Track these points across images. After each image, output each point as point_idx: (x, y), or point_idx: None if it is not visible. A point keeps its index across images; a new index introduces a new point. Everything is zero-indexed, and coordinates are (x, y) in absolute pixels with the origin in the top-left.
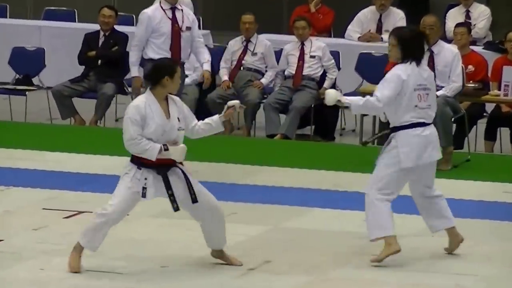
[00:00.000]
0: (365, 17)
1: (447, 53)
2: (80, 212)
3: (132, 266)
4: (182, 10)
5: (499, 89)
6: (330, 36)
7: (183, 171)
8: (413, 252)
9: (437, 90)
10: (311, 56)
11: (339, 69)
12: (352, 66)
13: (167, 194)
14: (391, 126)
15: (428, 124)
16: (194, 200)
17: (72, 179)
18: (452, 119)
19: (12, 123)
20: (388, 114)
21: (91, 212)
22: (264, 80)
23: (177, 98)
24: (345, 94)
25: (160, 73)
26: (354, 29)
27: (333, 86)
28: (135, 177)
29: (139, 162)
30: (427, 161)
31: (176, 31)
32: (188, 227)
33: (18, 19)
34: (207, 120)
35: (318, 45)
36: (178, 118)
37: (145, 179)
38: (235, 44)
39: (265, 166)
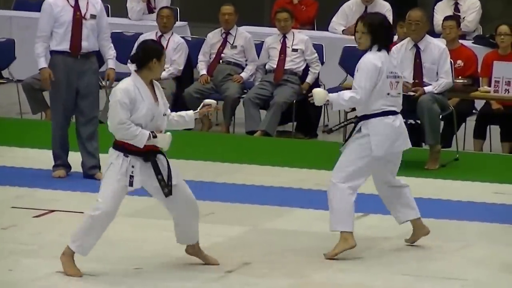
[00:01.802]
0: (350, 9)
1: (434, 49)
2: (51, 211)
3: (104, 267)
4: None
5: (489, 85)
6: (313, 29)
7: (167, 160)
8: (400, 255)
9: (425, 86)
10: (293, 50)
11: (322, 63)
12: (336, 60)
13: (152, 183)
14: (360, 114)
15: (398, 113)
16: (169, 192)
17: (43, 176)
18: (440, 116)
19: None
20: None
21: (63, 211)
22: (244, 74)
23: (157, 83)
24: (329, 90)
25: (148, 55)
26: (338, 22)
27: (316, 80)
28: (123, 166)
29: (124, 148)
30: (398, 150)
31: (77, 19)
32: (164, 227)
33: None
34: (181, 112)
35: (300, 38)
36: (163, 103)
37: (132, 166)
38: (214, 37)
39: (245, 164)
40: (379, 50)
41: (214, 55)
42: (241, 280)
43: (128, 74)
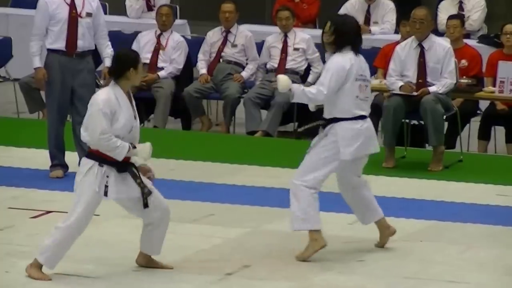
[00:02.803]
0: (353, 7)
1: (438, 48)
2: (48, 212)
3: (102, 269)
4: None
5: (494, 86)
6: (315, 28)
7: (139, 173)
8: (402, 258)
9: (428, 87)
10: (295, 49)
11: (324, 62)
12: None
13: (129, 194)
14: (328, 116)
15: (366, 117)
16: (145, 205)
17: (40, 176)
18: (444, 117)
19: None
20: (328, 103)
21: (60, 212)
22: (244, 74)
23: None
24: None
25: (125, 65)
26: None
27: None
28: (98, 176)
29: (99, 158)
30: (365, 153)
31: (73, 17)
32: None
33: None
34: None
35: (302, 37)
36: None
37: (107, 176)
38: (214, 35)
39: (245, 164)
40: (348, 51)
41: (214, 54)
42: (241, 282)
43: None
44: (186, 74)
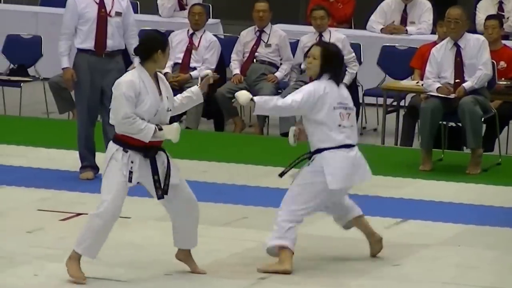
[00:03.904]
0: (389, 7)
1: (473, 43)
2: (77, 214)
3: (134, 273)
4: None
5: None
6: (350, 27)
7: (168, 158)
8: (439, 262)
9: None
10: None
11: (360, 63)
12: (374, 60)
13: (150, 181)
14: (313, 149)
15: (354, 145)
16: (165, 192)
17: (70, 178)
18: (482, 119)
19: (5, 117)
20: (311, 136)
21: None
22: (278, 74)
23: (162, 76)
24: (367, 91)
25: (153, 46)
26: (376, 20)
27: (354, 81)
28: (123, 161)
29: (124, 143)
30: (356, 182)
31: (102, 17)
32: None
33: (13, 5)
34: (186, 93)
35: (337, 36)
36: (167, 97)
37: (132, 162)
38: (247, 35)
39: (279, 166)
40: (327, 79)
41: (247, 54)
42: (274, 287)
43: None
44: (219, 74)
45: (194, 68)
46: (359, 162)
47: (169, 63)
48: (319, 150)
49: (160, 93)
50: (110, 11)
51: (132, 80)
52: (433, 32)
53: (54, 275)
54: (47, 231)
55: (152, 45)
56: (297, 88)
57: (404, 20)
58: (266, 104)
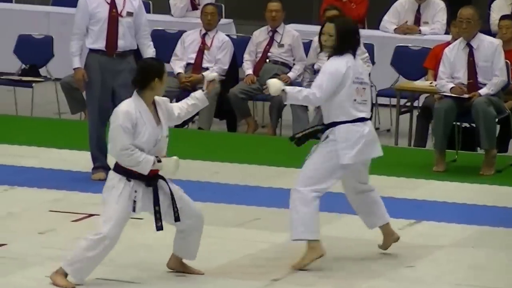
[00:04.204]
0: (402, 7)
1: (487, 46)
2: (90, 215)
3: (145, 274)
4: None
5: None
6: (363, 28)
7: (168, 185)
8: (453, 264)
9: (480, 88)
10: None
11: (373, 63)
12: (387, 60)
13: (152, 210)
14: (327, 121)
15: (367, 119)
16: (177, 219)
17: (82, 179)
18: (496, 120)
19: (17, 117)
20: (326, 108)
21: None
22: (291, 74)
23: (160, 98)
24: (380, 91)
25: (149, 75)
26: (390, 20)
27: None
28: (125, 190)
29: (126, 172)
30: (366, 157)
31: (113, 17)
32: (206, 233)
33: (24, 4)
34: (190, 100)
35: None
36: (165, 122)
37: (135, 191)
38: (260, 35)
39: (292, 167)
40: (346, 54)
41: (260, 54)
42: None
43: (170, 74)
44: (231, 75)
45: (207, 68)
46: (372, 138)
47: (182, 63)
48: (334, 124)
49: (159, 121)
50: (121, 11)
51: (128, 111)
52: (446, 32)
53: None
54: (59, 232)
55: (149, 73)
56: None
57: (417, 20)
58: (299, 95)
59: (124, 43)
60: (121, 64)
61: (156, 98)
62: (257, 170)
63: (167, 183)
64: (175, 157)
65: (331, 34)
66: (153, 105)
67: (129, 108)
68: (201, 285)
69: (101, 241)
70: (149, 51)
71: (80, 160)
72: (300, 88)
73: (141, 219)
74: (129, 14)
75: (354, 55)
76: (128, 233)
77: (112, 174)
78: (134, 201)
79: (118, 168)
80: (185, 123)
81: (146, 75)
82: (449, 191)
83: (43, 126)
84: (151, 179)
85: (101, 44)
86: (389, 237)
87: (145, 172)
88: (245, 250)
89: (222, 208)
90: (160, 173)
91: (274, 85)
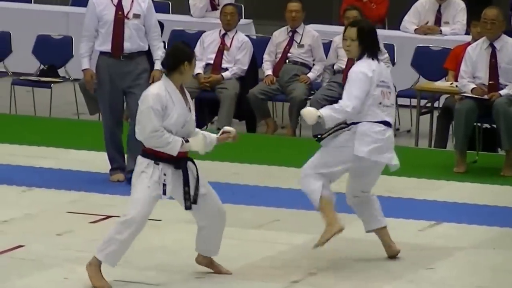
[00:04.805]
0: (423, 7)
1: (510, 48)
2: (108, 217)
3: (164, 276)
4: None
5: None
6: (384, 28)
7: (197, 168)
8: (474, 266)
9: (501, 89)
10: None
11: (393, 64)
12: (408, 61)
13: (181, 192)
14: (351, 121)
15: (390, 124)
16: (195, 201)
17: (100, 180)
18: None
19: (36, 118)
20: None
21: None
22: (311, 75)
23: (184, 88)
24: (400, 91)
25: (179, 58)
26: (410, 20)
27: None
28: (154, 175)
29: (154, 156)
30: (380, 160)
31: (119, 19)
32: (227, 235)
33: (43, 5)
34: (204, 133)
35: None
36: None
37: (164, 174)
38: (280, 35)
39: None
40: (369, 58)
41: (280, 55)
42: None
43: None
44: (251, 75)
45: (226, 69)
46: (390, 145)
47: (201, 64)
48: (358, 123)
49: (187, 103)
50: (127, 13)
51: (159, 93)
52: (467, 33)
53: (85, 278)
54: (77, 234)
55: (179, 56)
56: (330, 89)
57: (438, 20)
58: (334, 114)
59: (130, 45)
60: (128, 66)
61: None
62: (277, 171)
63: (196, 167)
64: (200, 135)
65: (353, 39)
66: (181, 89)
67: (159, 90)
68: (218, 286)
69: (129, 225)
70: (158, 53)
71: (98, 161)
72: (331, 106)
73: (159, 220)
74: (136, 16)
75: (377, 58)
76: (146, 235)
77: (140, 159)
78: (164, 184)
79: (146, 153)
80: (204, 124)
81: (176, 58)
82: (470, 192)
83: (62, 127)
84: (180, 161)
85: (107, 47)
86: (386, 242)
87: (174, 153)
88: (264, 251)
89: (241, 209)
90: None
91: (309, 114)
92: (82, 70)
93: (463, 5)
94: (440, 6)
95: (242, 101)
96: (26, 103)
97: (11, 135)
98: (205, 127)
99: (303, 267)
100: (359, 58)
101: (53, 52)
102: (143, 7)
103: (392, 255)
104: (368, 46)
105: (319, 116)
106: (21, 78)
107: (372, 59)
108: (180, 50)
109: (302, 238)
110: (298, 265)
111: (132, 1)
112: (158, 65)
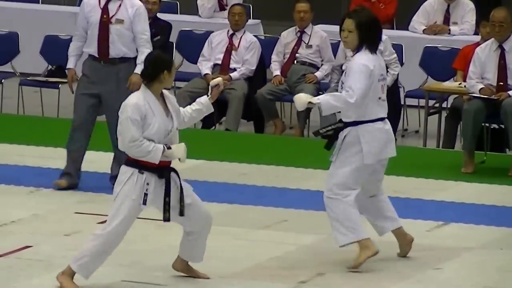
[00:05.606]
0: (432, 7)
1: None
2: None
3: (172, 277)
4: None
5: None
6: (392, 28)
7: (179, 178)
8: (481, 266)
9: (509, 90)
10: None
11: (402, 64)
12: (416, 61)
13: (162, 202)
14: (346, 119)
15: (385, 118)
16: (181, 212)
17: (108, 180)
18: None
19: (43, 119)
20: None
21: None
22: (319, 74)
23: (168, 94)
24: (408, 92)
25: (159, 67)
26: (419, 21)
27: (395, 82)
28: (137, 184)
29: (138, 165)
30: (385, 156)
31: (104, 23)
32: (235, 235)
33: (51, 5)
34: (196, 105)
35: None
36: (175, 115)
37: (147, 184)
38: (288, 35)
39: (319, 169)
40: (368, 50)
41: (288, 55)
42: None
43: (197, 75)
44: (259, 76)
45: (234, 69)
46: (389, 137)
47: (209, 64)
48: (357, 123)
49: (169, 113)
50: (111, 18)
51: (137, 103)
52: (475, 33)
53: (93, 278)
54: (85, 234)
55: (159, 65)
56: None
57: (446, 21)
58: (335, 103)
59: (113, 50)
60: (108, 71)
61: (164, 91)
62: (285, 171)
63: (179, 177)
64: (182, 143)
65: (351, 30)
66: (161, 98)
67: (138, 100)
68: (225, 286)
69: (107, 237)
70: (141, 57)
71: (106, 162)
72: (332, 93)
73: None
74: (119, 21)
75: (376, 50)
76: (154, 235)
77: (124, 168)
78: (145, 194)
79: (130, 162)
80: (212, 124)
81: (155, 68)
82: (478, 192)
83: (69, 128)
84: (164, 171)
85: (92, 49)
86: (403, 241)
87: (156, 161)
88: (272, 252)
89: (249, 209)
90: (169, 159)
91: (298, 99)
92: (65, 69)
93: (472, 5)
94: (448, 6)
95: (250, 102)
96: (34, 104)
97: (19, 136)
98: (213, 127)
99: (311, 267)
100: (358, 50)
101: (61, 53)
102: (130, 12)
103: (409, 243)
104: (366, 38)
105: (310, 102)
106: (28, 78)
107: (371, 52)
108: (159, 59)
109: (310, 238)
110: (305, 266)
111: (120, 6)
112: (138, 70)
